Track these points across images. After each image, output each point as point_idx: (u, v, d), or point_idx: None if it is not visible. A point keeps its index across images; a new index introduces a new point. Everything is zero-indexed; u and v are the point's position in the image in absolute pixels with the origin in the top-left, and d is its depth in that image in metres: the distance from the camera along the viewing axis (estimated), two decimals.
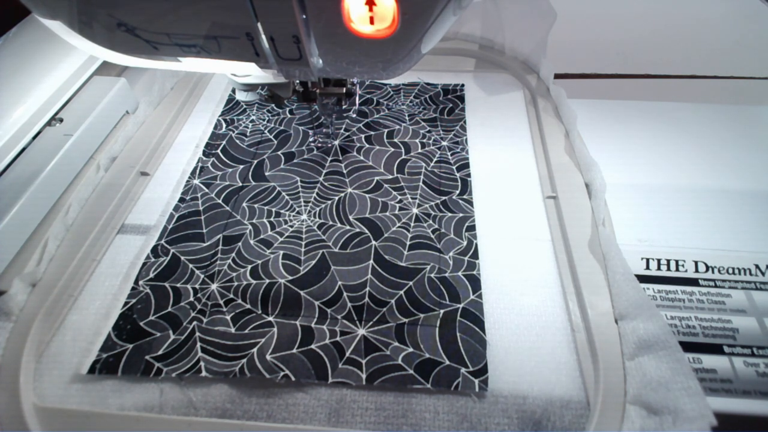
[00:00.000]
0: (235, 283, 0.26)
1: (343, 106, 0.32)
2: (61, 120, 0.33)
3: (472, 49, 0.46)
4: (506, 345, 0.24)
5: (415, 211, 0.30)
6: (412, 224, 0.29)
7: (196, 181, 0.33)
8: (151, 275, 0.27)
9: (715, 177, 0.32)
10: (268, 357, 0.23)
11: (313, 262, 0.27)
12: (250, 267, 0.27)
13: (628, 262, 0.26)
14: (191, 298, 0.26)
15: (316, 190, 0.32)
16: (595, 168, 0.30)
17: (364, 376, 0.23)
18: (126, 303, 0.26)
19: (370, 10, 0.18)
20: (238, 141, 0.36)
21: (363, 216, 0.30)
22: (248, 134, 0.37)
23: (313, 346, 0.24)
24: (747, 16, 0.48)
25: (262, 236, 0.29)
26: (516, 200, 0.31)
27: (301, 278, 0.27)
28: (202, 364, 0.23)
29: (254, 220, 0.30)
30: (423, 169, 0.33)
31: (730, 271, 0.27)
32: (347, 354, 0.24)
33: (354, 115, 0.38)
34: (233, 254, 0.28)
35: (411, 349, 0.24)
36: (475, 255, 0.28)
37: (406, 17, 0.18)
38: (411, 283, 0.26)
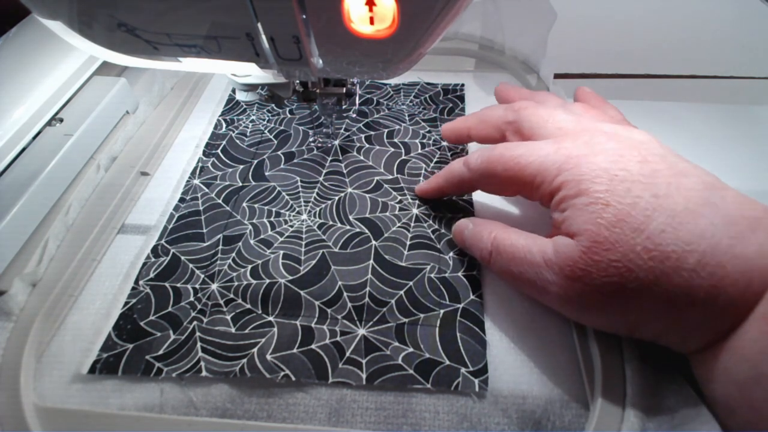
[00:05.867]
0: (236, 283, 0.26)
1: (343, 106, 0.32)
2: (61, 120, 0.33)
3: (472, 49, 0.46)
4: (506, 345, 0.24)
5: (415, 211, 0.30)
6: (413, 224, 0.29)
7: (196, 181, 0.33)
8: (152, 275, 0.27)
9: None
10: (268, 357, 0.23)
11: (314, 262, 0.27)
12: (250, 267, 0.27)
13: None
14: (191, 298, 0.26)
15: (316, 190, 0.32)
16: None
17: (364, 375, 0.23)
18: (126, 303, 0.26)
19: (370, 10, 0.18)
20: (238, 141, 0.36)
21: (363, 216, 0.30)
22: (248, 134, 0.37)
23: (313, 346, 0.24)
24: (747, 16, 0.48)
25: (262, 236, 0.29)
26: (516, 200, 0.31)
27: (301, 278, 0.27)
28: (202, 363, 0.23)
29: (254, 220, 0.30)
30: (423, 169, 0.33)
31: None
32: (347, 354, 0.24)
33: (354, 115, 0.38)
34: (233, 254, 0.28)
35: (411, 349, 0.24)
36: None
37: (406, 17, 0.18)
38: (411, 283, 0.26)
